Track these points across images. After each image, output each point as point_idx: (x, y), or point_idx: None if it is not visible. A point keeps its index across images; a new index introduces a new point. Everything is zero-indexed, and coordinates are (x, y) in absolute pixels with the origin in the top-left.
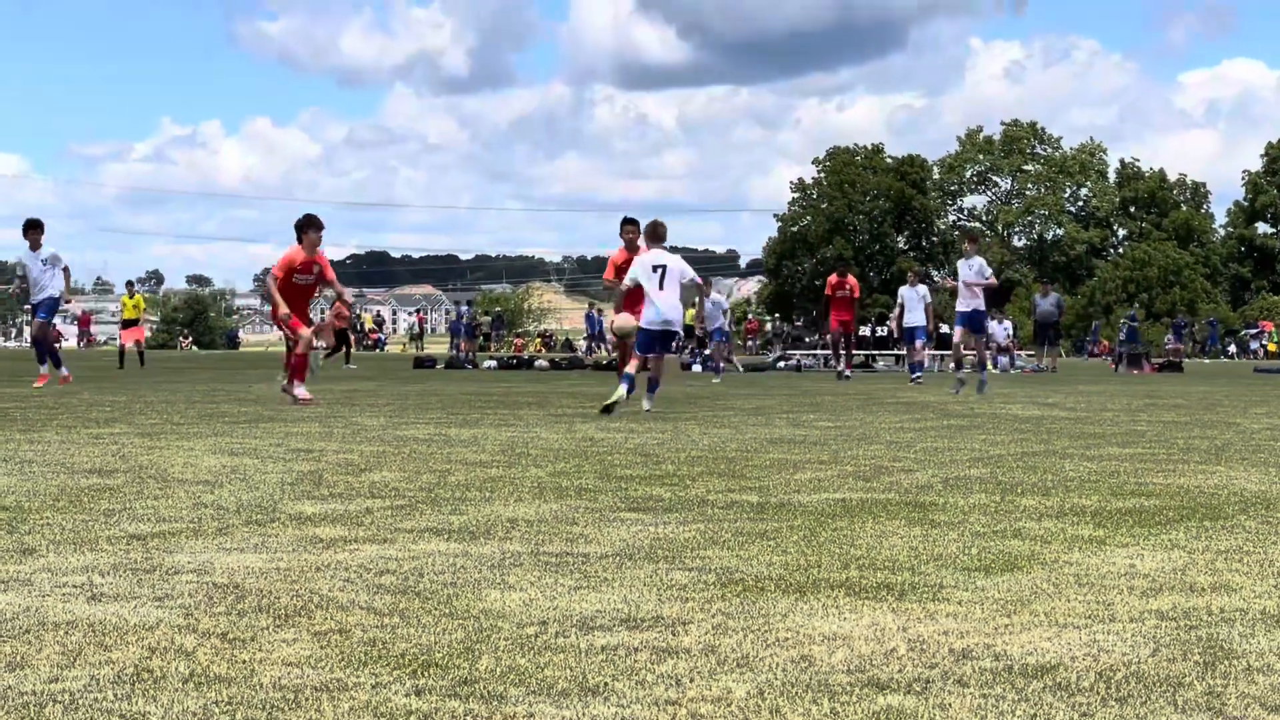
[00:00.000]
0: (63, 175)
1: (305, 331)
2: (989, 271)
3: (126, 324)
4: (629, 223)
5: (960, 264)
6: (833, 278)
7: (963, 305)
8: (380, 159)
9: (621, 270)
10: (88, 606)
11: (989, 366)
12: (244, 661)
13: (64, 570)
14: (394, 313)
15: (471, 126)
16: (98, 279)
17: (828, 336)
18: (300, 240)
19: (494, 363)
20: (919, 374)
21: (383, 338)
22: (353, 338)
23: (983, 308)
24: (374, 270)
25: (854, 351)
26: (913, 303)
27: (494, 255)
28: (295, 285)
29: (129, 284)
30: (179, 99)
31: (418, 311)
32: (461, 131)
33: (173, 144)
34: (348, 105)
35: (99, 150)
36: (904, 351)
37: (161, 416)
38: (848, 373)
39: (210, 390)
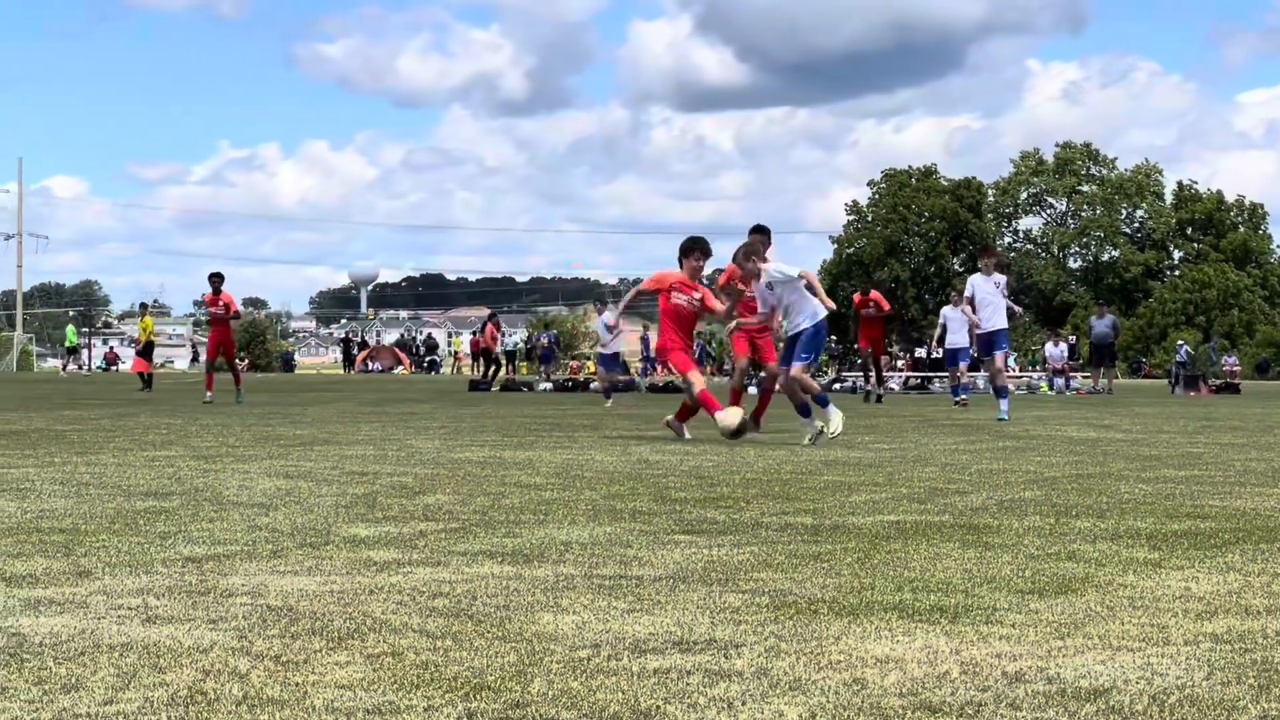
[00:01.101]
0: (121, 197)
1: (695, 376)
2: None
3: (149, 346)
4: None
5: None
6: (856, 296)
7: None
8: (437, 181)
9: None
10: (143, 629)
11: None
12: (297, 684)
13: (119, 592)
14: (449, 335)
15: (529, 149)
16: (155, 301)
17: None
18: (681, 264)
19: (549, 385)
20: (963, 396)
21: (438, 359)
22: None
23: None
24: (429, 292)
25: (895, 371)
26: (955, 323)
27: (550, 277)
28: (676, 306)
29: (143, 306)
30: (237, 122)
31: (474, 334)
32: (519, 154)
33: (230, 166)
34: (405, 128)
35: (157, 173)
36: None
37: (217, 439)
38: (879, 391)
39: (265, 413)
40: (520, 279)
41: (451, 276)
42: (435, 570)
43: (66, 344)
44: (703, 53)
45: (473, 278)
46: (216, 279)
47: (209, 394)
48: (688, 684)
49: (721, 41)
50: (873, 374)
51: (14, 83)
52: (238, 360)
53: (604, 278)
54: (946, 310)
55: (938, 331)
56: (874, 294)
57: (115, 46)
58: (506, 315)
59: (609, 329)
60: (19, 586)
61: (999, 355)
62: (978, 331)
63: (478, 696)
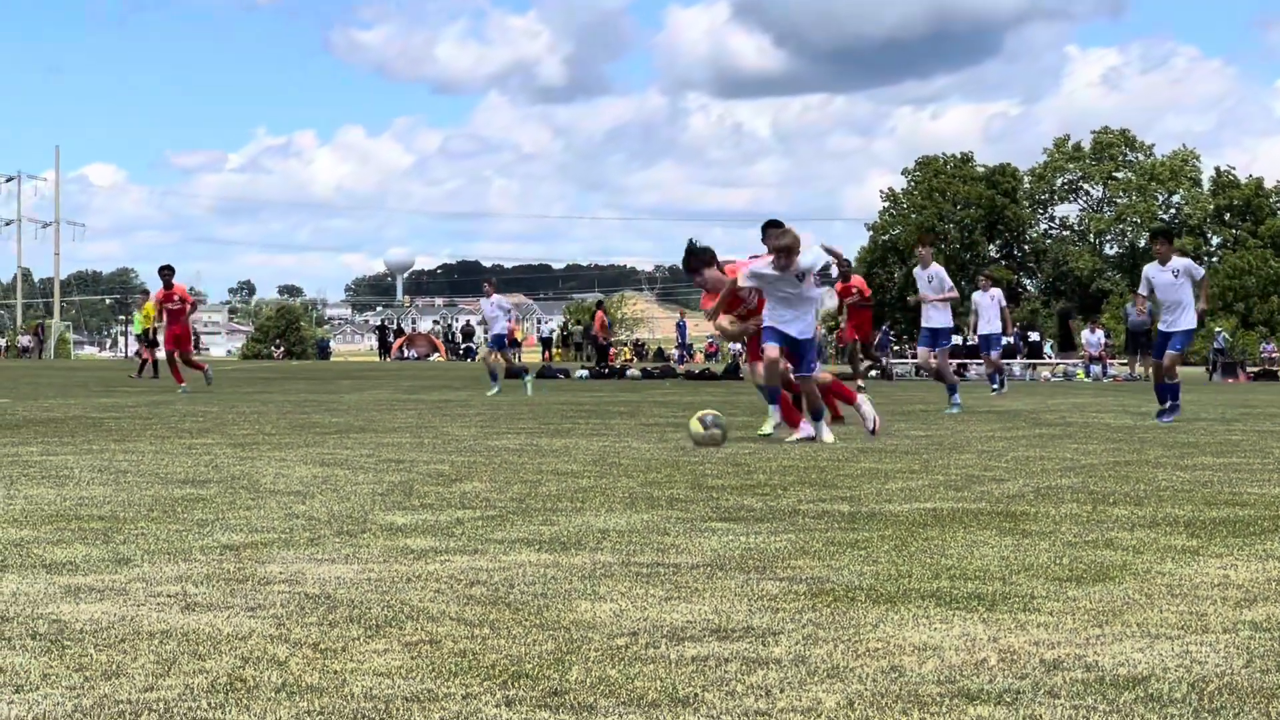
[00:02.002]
0: (158, 185)
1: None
2: (949, 283)
3: (146, 333)
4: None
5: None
6: (838, 284)
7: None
8: (473, 168)
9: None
10: (182, 616)
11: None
12: (335, 672)
13: (158, 580)
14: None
15: (566, 135)
16: (190, 289)
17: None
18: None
19: (585, 372)
20: (998, 384)
21: (474, 347)
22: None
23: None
24: (465, 279)
25: (881, 359)
26: (986, 309)
27: (586, 264)
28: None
29: (144, 293)
30: (274, 109)
31: (513, 322)
32: (556, 141)
33: (267, 153)
34: (441, 114)
35: (194, 160)
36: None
37: (254, 427)
38: (859, 383)
39: (302, 401)
40: (556, 266)
41: (487, 263)
42: (472, 558)
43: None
44: (740, 39)
45: (509, 265)
46: (167, 272)
47: (182, 385)
48: (725, 671)
49: (759, 28)
50: (863, 364)
51: (52, 71)
52: (194, 353)
53: (640, 264)
54: (977, 296)
55: (972, 319)
56: (855, 280)
57: (153, 35)
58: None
59: (505, 311)
60: (59, 574)
61: (1085, 340)
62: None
63: (516, 684)
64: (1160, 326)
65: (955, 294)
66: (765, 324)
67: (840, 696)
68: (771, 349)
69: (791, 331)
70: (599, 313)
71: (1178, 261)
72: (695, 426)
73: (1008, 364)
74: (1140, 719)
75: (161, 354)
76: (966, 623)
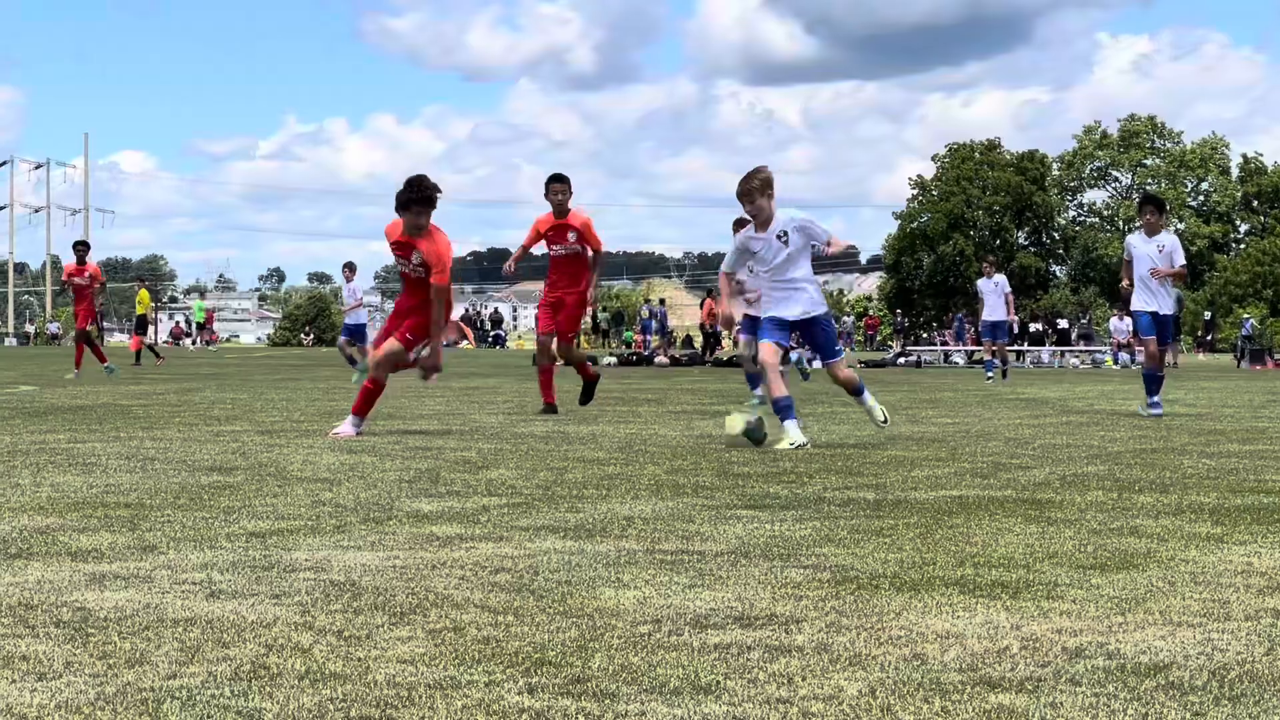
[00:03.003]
0: (188, 172)
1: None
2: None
3: (143, 321)
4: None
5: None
6: None
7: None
8: (504, 156)
9: None
10: (206, 604)
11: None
12: (359, 659)
13: (184, 567)
14: (514, 310)
15: (596, 123)
16: (220, 276)
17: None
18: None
19: (613, 359)
20: (992, 372)
21: (503, 334)
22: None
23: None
24: (495, 266)
25: (960, 345)
26: (990, 296)
27: (615, 251)
28: None
29: (139, 279)
30: (304, 96)
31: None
32: (586, 128)
33: (297, 141)
34: (472, 102)
35: (224, 147)
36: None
37: (282, 414)
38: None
39: (330, 388)
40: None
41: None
42: (498, 545)
43: (197, 320)
44: (771, 26)
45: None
46: (81, 247)
47: (76, 371)
48: (748, 659)
49: (790, 14)
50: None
51: (82, 58)
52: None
53: (670, 251)
54: (981, 283)
55: (979, 306)
56: None
57: (182, 21)
58: None
59: (356, 297)
60: (84, 561)
61: (1112, 327)
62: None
63: (539, 671)
64: (1137, 304)
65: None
66: (764, 313)
67: (862, 684)
68: (765, 349)
69: (791, 314)
70: (709, 301)
71: (1166, 236)
72: (736, 425)
73: (1036, 350)
74: (1161, 707)
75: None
76: (990, 610)
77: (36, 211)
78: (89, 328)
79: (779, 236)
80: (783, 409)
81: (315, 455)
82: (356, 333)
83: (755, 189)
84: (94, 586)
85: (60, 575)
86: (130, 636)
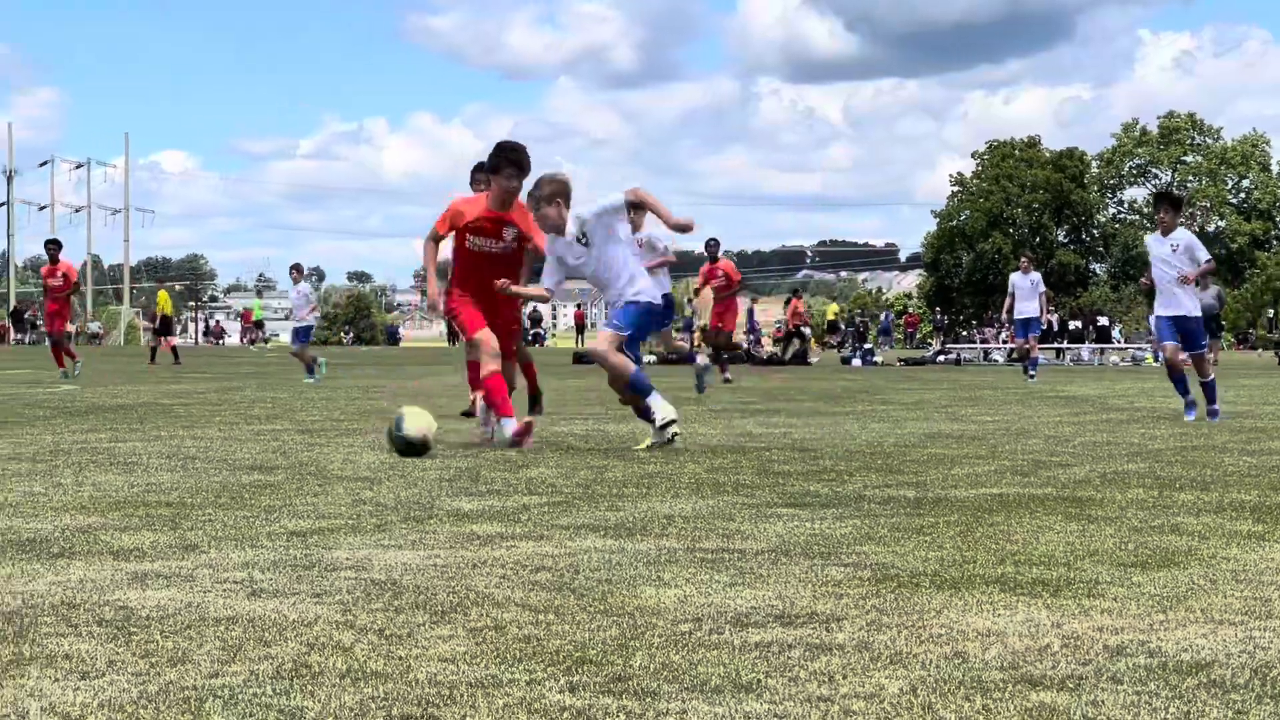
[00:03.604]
0: (229, 172)
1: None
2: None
3: (166, 322)
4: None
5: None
6: (704, 266)
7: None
8: (544, 154)
9: None
10: (248, 602)
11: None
12: (400, 657)
13: (225, 566)
14: (554, 309)
15: (637, 121)
16: (260, 275)
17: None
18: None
19: (653, 357)
20: (1034, 371)
21: (543, 333)
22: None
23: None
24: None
25: (999, 344)
26: (1024, 291)
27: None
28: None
29: (159, 280)
30: (344, 95)
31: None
32: (626, 126)
33: (337, 140)
34: (512, 100)
35: (265, 147)
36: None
37: (322, 413)
38: (726, 375)
39: (370, 387)
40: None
41: None
42: (538, 544)
43: (256, 317)
44: (812, 23)
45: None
46: (53, 246)
47: (63, 370)
48: (789, 657)
49: (831, 11)
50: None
51: (122, 58)
52: (66, 339)
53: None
54: (1015, 278)
55: (1007, 300)
56: (722, 264)
57: (223, 21)
58: None
59: (308, 299)
60: (126, 560)
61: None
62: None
63: (580, 670)
64: (1158, 309)
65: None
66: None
67: (903, 682)
68: (604, 336)
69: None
70: (795, 300)
71: (1180, 234)
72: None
73: (1076, 348)
74: (1203, 705)
75: (177, 340)
76: (1030, 608)
77: (77, 211)
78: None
79: (579, 240)
80: (641, 387)
81: (356, 454)
82: (305, 336)
83: (542, 198)
84: (136, 585)
85: (102, 574)
86: (172, 635)
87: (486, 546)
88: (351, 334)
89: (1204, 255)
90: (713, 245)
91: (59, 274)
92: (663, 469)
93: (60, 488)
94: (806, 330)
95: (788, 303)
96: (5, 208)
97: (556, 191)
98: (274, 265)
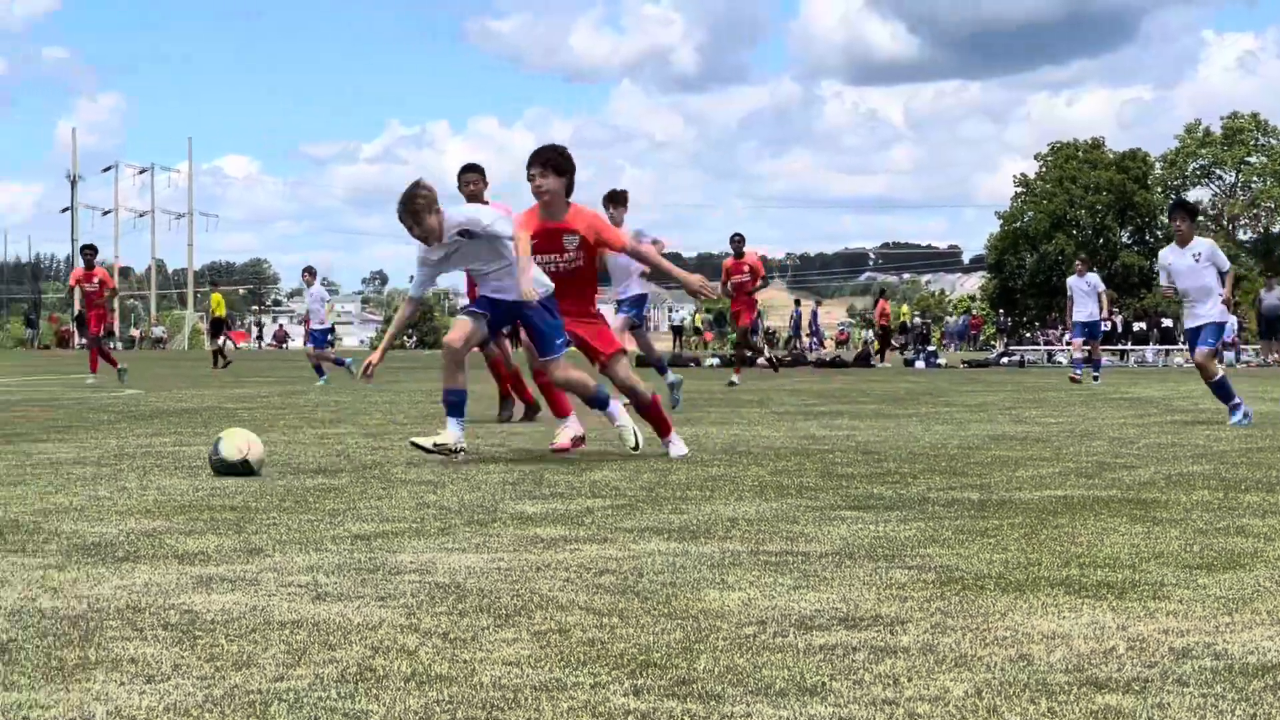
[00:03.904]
0: (292, 176)
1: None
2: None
3: (218, 324)
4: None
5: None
6: (728, 260)
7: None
8: (606, 158)
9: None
10: (313, 606)
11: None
12: (465, 661)
13: (290, 570)
14: (615, 311)
15: (699, 124)
16: (323, 280)
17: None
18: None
19: (717, 360)
20: (1097, 372)
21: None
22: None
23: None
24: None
25: (1063, 345)
26: (1082, 294)
27: (717, 253)
28: None
29: (213, 283)
30: (407, 99)
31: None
32: (689, 129)
33: (400, 144)
34: (574, 103)
35: (327, 151)
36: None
37: (386, 416)
38: (734, 378)
39: (433, 390)
40: (687, 255)
41: None
42: (602, 547)
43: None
44: (874, 26)
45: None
46: (89, 252)
47: (120, 368)
48: (854, 660)
49: (893, 14)
50: (749, 354)
51: (186, 64)
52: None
53: (772, 253)
54: (1072, 281)
55: (1068, 304)
56: (749, 259)
57: (286, 25)
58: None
59: (324, 302)
60: (191, 564)
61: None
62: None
63: (644, 673)
64: (1185, 321)
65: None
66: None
67: (968, 685)
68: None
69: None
70: (882, 301)
71: (1200, 243)
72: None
73: (1140, 349)
74: (1269, 708)
75: (228, 344)
76: (1095, 611)
77: (141, 216)
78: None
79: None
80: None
81: (419, 458)
82: (323, 339)
83: (421, 209)
84: (201, 589)
85: (167, 578)
86: (237, 639)
87: (550, 550)
88: (414, 337)
89: (1225, 262)
90: (737, 240)
91: (95, 279)
92: (726, 472)
93: (125, 491)
94: (890, 331)
95: (875, 303)
96: (70, 212)
97: (433, 200)
98: (337, 270)
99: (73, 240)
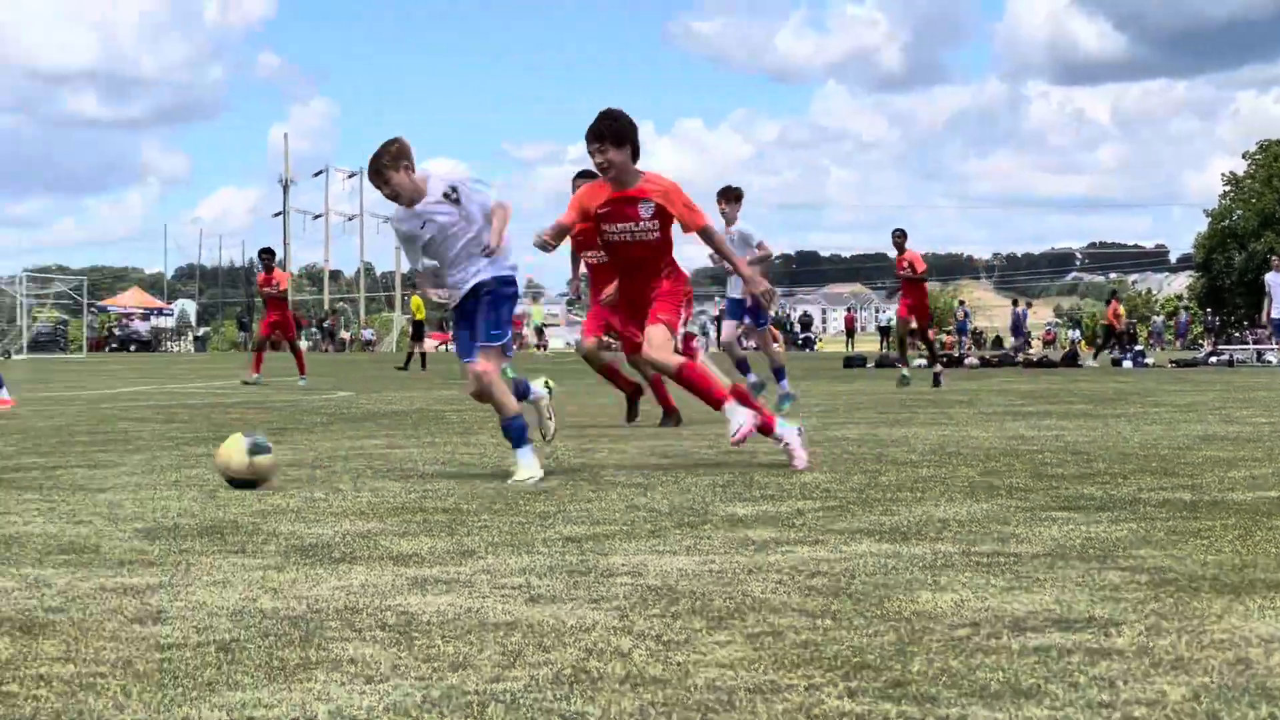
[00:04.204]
0: (498, 178)
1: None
2: None
3: (419, 327)
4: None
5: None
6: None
7: None
8: (811, 158)
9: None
10: (526, 608)
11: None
12: (678, 663)
13: (502, 572)
14: (823, 311)
15: (903, 124)
16: (529, 281)
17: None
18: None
19: (924, 361)
20: None
21: (813, 336)
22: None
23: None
24: (803, 269)
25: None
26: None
27: (923, 253)
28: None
29: (414, 286)
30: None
31: (848, 310)
32: (893, 129)
33: None
34: (779, 104)
35: (532, 153)
36: None
37: (593, 419)
38: (905, 373)
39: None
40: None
41: (825, 253)
42: (813, 549)
43: (536, 323)
44: (1080, 24)
45: (846, 254)
46: (267, 255)
47: (255, 375)
48: (1068, 663)
49: (1100, 12)
50: (917, 349)
51: (393, 68)
52: (299, 341)
53: (978, 253)
54: (1270, 277)
55: (1265, 302)
56: (908, 255)
57: (490, 29)
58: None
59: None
60: (406, 565)
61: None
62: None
63: (858, 675)
64: None
65: None
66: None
67: (1185, 689)
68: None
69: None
70: (1114, 302)
71: None
72: (236, 458)
73: None
74: None
75: (429, 346)
76: None
77: (350, 219)
78: (271, 337)
79: (447, 196)
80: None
81: (628, 459)
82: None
83: (386, 166)
84: (416, 590)
85: (383, 579)
86: (453, 640)
87: (762, 552)
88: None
89: None
90: (899, 236)
91: (274, 282)
92: (936, 473)
93: (339, 493)
94: (1119, 332)
95: (1107, 303)
96: (282, 217)
97: (402, 154)
98: (544, 271)
99: (284, 244)
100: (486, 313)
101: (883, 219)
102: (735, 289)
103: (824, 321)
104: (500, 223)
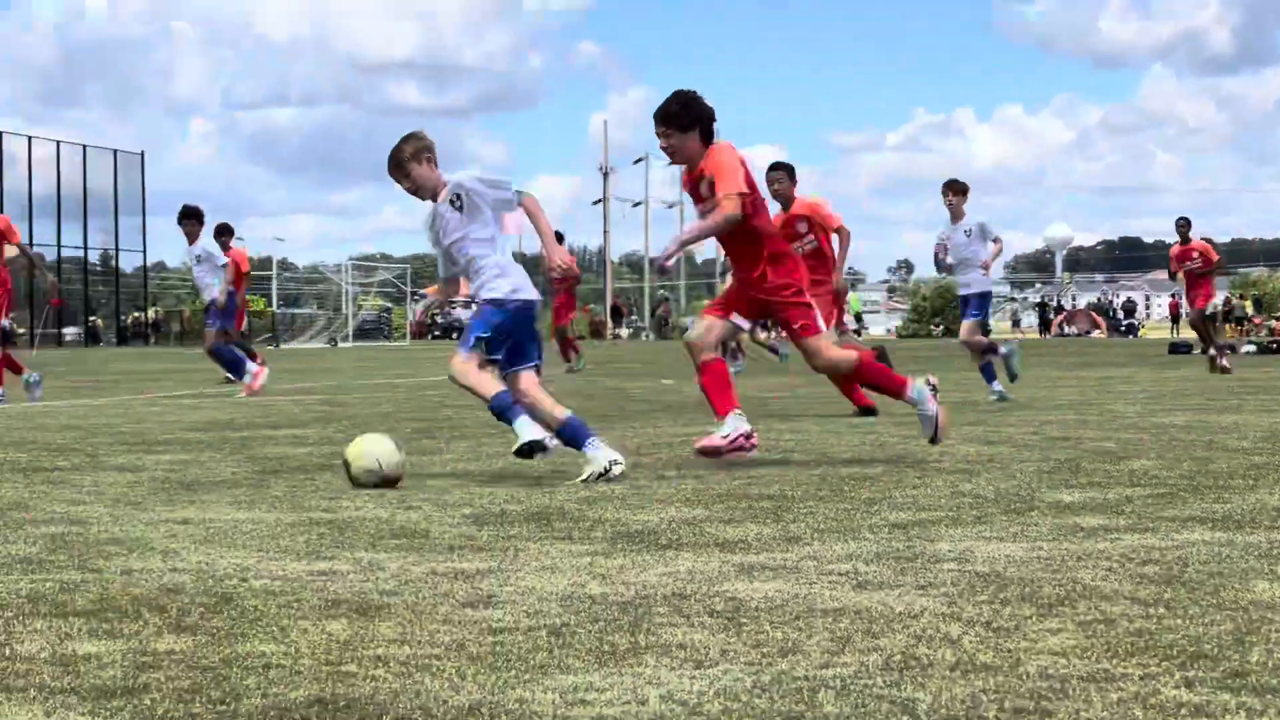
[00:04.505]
0: (820, 165)
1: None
2: None
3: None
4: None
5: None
6: (1174, 247)
7: None
8: (1136, 143)
9: None
10: (854, 594)
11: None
12: (1009, 650)
13: (829, 558)
14: (1146, 298)
15: (1232, 108)
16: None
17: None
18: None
19: (1253, 347)
20: None
21: (1136, 322)
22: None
23: None
24: (1125, 255)
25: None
26: None
27: (1250, 238)
28: None
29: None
30: (932, 88)
31: (1171, 297)
32: (1221, 113)
33: (925, 132)
34: (1102, 89)
35: (853, 140)
36: None
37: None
38: (1224, 362)
39: (962, 379)
40: (1221, 240)
41: (1149, 239)
42: (1143, 536)
43: (854, 310)
44: None
45: (1168, 240)
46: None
47: (569, 364)
48: None
49: None
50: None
51: (709, 57)
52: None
53: None
54: None
55: None
56: (1195, 244)
57: (810, 17)
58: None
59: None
60: (732, 552)
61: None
62: None
63: (1195, 665)
64: None
65: None
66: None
67: None
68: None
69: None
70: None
71: None
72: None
73: None
74: None
75: (761, 335)
76: None
77: (670, 206)
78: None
79: (453, 204)
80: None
81: (952, 446)
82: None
83: (406, 159)
84: (743, 576)
85: (710, 565)
86: (781, 625)
87: (1090, 539)
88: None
89: None
90: (1183, 225)
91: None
92: (1270, 460)
93: (663, 480)
94: None
95: None
96: (601, 204)
97: (423, 149)
98: (863, 259)
99: (604, 232)
100: (469, 326)
101: (1213, 202)
102: (967, 285)
103: (1147, 308)
104: (547, 225)
